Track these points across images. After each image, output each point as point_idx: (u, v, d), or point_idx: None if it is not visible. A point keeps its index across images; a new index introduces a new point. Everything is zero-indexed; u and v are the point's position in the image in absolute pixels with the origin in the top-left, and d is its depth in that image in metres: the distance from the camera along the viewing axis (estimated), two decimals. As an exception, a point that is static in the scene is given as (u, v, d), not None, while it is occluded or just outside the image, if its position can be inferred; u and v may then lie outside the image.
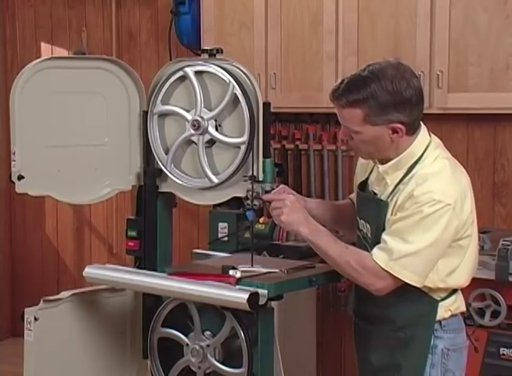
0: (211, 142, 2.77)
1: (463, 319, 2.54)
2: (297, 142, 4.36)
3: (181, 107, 2.81)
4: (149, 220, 2.92)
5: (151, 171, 2.91)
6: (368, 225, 2.47)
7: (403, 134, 2.36)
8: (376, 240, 2.38)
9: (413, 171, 2.37)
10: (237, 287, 2.46)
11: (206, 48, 2.82)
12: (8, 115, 2.74)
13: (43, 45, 5.24)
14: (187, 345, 2.64)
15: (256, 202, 2.63)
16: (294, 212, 2.45)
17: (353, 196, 2.70)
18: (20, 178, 2.73)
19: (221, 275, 2.54)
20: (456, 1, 3.62)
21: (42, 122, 2.79)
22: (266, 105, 2.66)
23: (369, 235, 2.47)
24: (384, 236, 2.35)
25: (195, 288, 2.50)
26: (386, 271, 2.32)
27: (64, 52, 5.11)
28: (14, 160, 2.74)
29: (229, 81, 2.68)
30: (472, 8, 3.59)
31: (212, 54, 2.77)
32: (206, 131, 2.74)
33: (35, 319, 2.70)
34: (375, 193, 2.48)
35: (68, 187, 2.88)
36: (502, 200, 3.92)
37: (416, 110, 2.36)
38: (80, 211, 5.21)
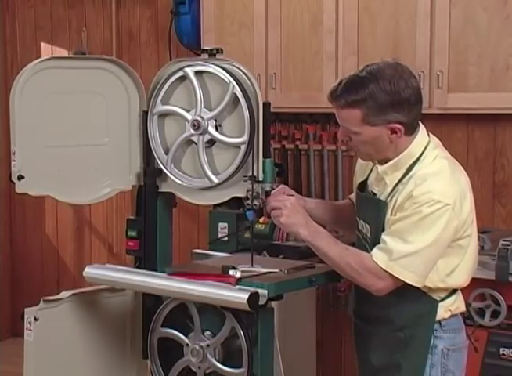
0: (211, 142, 2.77)
1: (463, 319, 2.54)
2: (297, 142, 4.37)
3: (181, 107, 2.81)
4: (149, 220, 2.92)
5: (151, 171, 2.91)
6: (367, 226, 2.47)
7: (402, 134, 2.36)
8: (376, 241, 2.38)
9: (412, 171, 2.37)
10: (237, 287, 2.46)
11: (206, 48, 2.82)
12: (8, 115, 2.74)
13: (43, 45, 5.24)
14: (187, 345, 2.64)
15: (256, 202, 2.63)
16: (294, 214, 2.44)
17: (353, 196, 2.70)
18: (20, 178, 2.73)
19: (221, 275, 2.54)
20: (456, 1, 3.62)
21: (42, 122, 2.79)
22: (266, 105, 2.66)
23: (368, 235, 2.47)
24: (383, 236, 2.35)
25: (195, 288, 2.50)
26: (386, 271, 2.32)
27: (64, 52, 5.11)
28: (14, 160, 2.74)
29: (229, 81, 2.68)
30: (472, 8, 3.59)
31: (212, 54, 2.77)
32: (206, 131, 2.74)
33: (35, 319, 2.70)
34: (374, 194, 2.48)
35: (68, 187, 2.88)
36: (502, 200, 3.92)
37: (415, 110, 2.36)
38: (80, 211, 5.21)
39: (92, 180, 2.93)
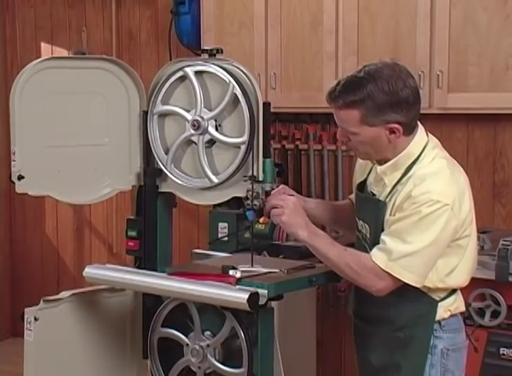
0: (211, 142, 2.77)
1: (463, 319, 2.54)
2: (297, 142, 4.36)
3: (181, 107, 2.81)
4: (149, 220, 2.92)
5: (151, 171, 2.91)
6: (367, 226, 2.47)
7: (400, 134, 2.36)
8: (375, 241, 2.39)
9: (411, 171, 2.37)
10: (237, 287, 2.46)
11: (206, 48, 2.82)
12: (8, 115, 2.74)
13: (43, 45, 5.24)
14: (187, 345, 2.64)
15: (256, 202, 2.63)
16: (295, 215, 2.45)
17: (353, 196, 2.70)
18: (20, 178, 2.73)
19: (221, 275, 2.54)
20: (456, 1, 3.62)
21: (42, 122, 2.79)
22: (266, 105, 2.66)
23: (368, 236, 2.47)
24: (382, 236, 2.35)
25: (195, 288, 2.50)
26: (385, 272, 2.32)
27: (64, 52, 5.11)
28: (14, 160, 2.74)
29: (229, 81, 2.68)
30: (472, 8, 3.59)
31: (212, 54, 2.77)
32: (206, 131, 2.74)
33: (35, 319, 2.70)
34: (373, 194, 2.48)
35: (68, 187, 2.88)
36: (502, 200, 3.92)
37: (413, 110, 2.36)
38: (80, 211, 5.21)
39: (92, 180, 2.93)
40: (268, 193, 2.61)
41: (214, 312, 2.57)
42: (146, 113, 2.88)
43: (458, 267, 2.39)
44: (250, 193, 2.64)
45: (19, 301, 5.31)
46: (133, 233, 2.94)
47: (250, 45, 4.12)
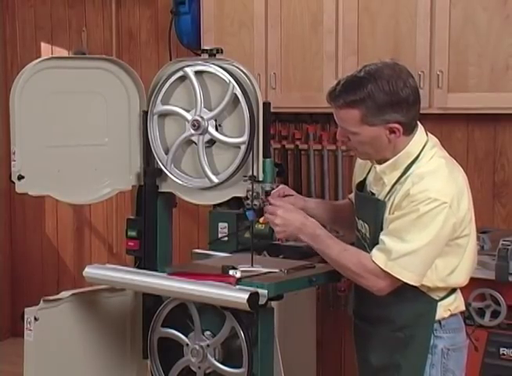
0: (211, 142, 2.77)
1: (463, 318, 2.54)
2: (297, 142, 4.36)
3: (181, 107, 2.81)
4: (149, 220, 2.92)
5: (151, 171, 2.91)
6: (366, 226, 2.47)
7: (400, 134, 2.36)
8: (375, 240, 2.39)
9: (410, 170, 2.37)
10: (237, 287, 2.46)
11: (206, 48, 2.82)
12: (8, 115, 2.74)
13: (43, 45, 5.24)
14: (187, 345, 2.64)
15: (256, 202, 2.63)
16: (287, 225, 2.47)
17: (352, 196, 2.70)
18: (20, 178, 2.73)
19: (221, 275, 2.54)
20: (456, 1, 3.62)
21: (42, 122, 2.79)
22: (266, 105, 2.66)
23: (367, 235, 2.47)
24: (381, 236, 2.35)
25: (195, 288, 2.50)
26: (385, 272, 2.32)
27: (64, 52, 5.11)
28: (14, 160, 2.74)
29: (229, 81, 2.68)
30: (472, 8, 3.59)
31: (212, 54, 2.77)
32: (206, 131, 2.74)
33: (35, 319, 2.70)
34: (373, 193, 2.48)
35: (68, 187, 2.88)
36: (502, 200, 3.92)
37: (413, 109, 2.36)
38: (80, 211, 5.21)
39: (92, 180, 2.93)
40: (268, 193, 2.62)
41: (214, 312, 2.57)
42: (146, 113, 2.88)
43: (458, 267, 2.39)
44: (250, 193, 2.64)
45: (19, 301, 5.31)
46: (133, 233, 2.94)
47: (250, 45, 4.12)
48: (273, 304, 2.56)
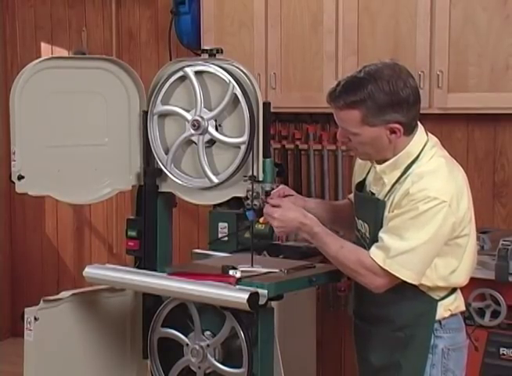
0: (211, 142, 2.77)
1: (463, 318, 2.54)
2: (297, 142, 4.36)
3: (181, 107, 2.81)
4: (149, 220, 2.92)
5: (151, 171, 2.91)
6: (366, 225, 2.48)
7: (401, 134, 2.36)
8: (375, 240, 2.39)
9: (410, 170, 2.38)
10: (237, 287, 2.46)
11: (206, 48, 2.82)
12: (8, 115, 2.74)
13: (43, 45, 5.24)
14: (187, 345, 2.64)
15: (256, 202, 2.63)
16: (284, 225, 2.49)
17: (352, 196, 2.70)
18: (20, 178, 2.73)
19: (221, 275, 2.54)
20: (456, 1, 3.62)
21: (42, 122, 2.79)
22: (266, 105, 2.66)
23: (367, 235, 2.47)
24: (380, 234, 2.36)
25: (195, 288, 2.50)
26: (383, 269, 2.32)
27: (64, 52, 5.11)
28: (14, 160, 2.74)
29: (229, 81, 2.68)
30: (472, 8, 3.59)
31: (212, 54, 2.77)
32: (206, 131, 2.74)
33: (35, 319, 2.70)
34: (373, 193, 2.48)
35: (68, 187, 2.88)
36: (502, 200, 3.92)
37: (414, 109, 2.36)
38: (80, 211, 5.21)
39: (92, 180, 2.93)
40: (268, 193, 2.62)
41: (214, 312, 2.57)
42: (146, 113, 2.88)
43: (458, 267, 2.39)
44: (250, 193, 2.64)
45: (19, 301, 5.31)
46: (133, 233, 2.94)
47: (250, 45, 4.12)
48: (273, 304, 2.56)
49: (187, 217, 4.73)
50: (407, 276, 2.32)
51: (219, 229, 4.06)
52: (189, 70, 2.77)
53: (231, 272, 2.53)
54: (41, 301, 2.74)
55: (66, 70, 2.85)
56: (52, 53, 5.15)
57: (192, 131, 2.76)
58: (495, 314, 3.34)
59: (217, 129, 2.75)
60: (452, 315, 2.45)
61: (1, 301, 5.44)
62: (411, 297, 2.40)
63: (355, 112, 2.33)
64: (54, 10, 5.18)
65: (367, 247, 2.42)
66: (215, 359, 2.59)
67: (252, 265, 2.64)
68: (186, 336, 2.65)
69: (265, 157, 2.66)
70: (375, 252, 2.34)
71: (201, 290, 2.49)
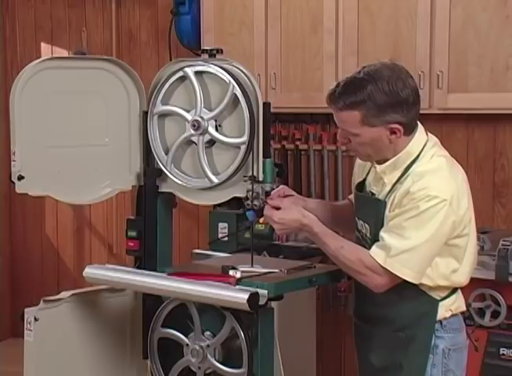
0: (211, 142, 2.77)
1: (463, 319, 2.54)
2: (297, 143, 4.36)
3: (181, 107, 2.81)
4: (149, 220, 2.92)
5: (151, 172, 2.91)
6: (367, 226, 2.48)
7: (401, 134, 2.36)
8: (376, 240, 2.39)
9: (410, 169, 2.38)
10: (237, 287, 2.46)
11: (206, 48, 2.82)
12: (8, 115, 2.74)
13: (43, 45, 5.24)
14: (187, 345, 2.64)
15: (256, 202, 2.63)
16: (284, 228, 2.49)
17: (352, 197, 2.70)
18: (20, 178, 2.73)
19: (221, 275, 2.54)
20: (456, 1, 3.62)
21: (42, 122, 2.79)
22: (266, 105, 2.66)
23: (368, 235, 2.47)
24: (381, 233, 2.36)
25: (195, 288, 2.50)
26: (384, 268, 2.32)
27: (64, 52, 5.11)
28: (14, 160, 2.74)
29: (229, 81, 2.68)
30: (472, 8, 3.59)
31: (212, 54, 2.77)
32: (206, 131, 2.74)
33: (35, 319, 2.70)
34: (373, 194, 2.48)
35: (68, 187, 2.88)
36: (503, 200, 3.92)
37: (413, 109, 2.36)
38: (80, 211, 5.21)
39: (92, 180, 2.93)
40: (268, 193, 2.61)
41: (214, 312, 2.57)
42: (146, 113, 2.88)
43: (458, 267, 2.39)
44: (250, 193, 2.64)
45: (19, 301, 5.31)
46: (133, 233, 2.94)
47: (250, 45, 4.12)
48: (273, 304, 2.56)
49: (187, 217, 4.73)
50: (407, 274, 2.32)
51: (219, 230, 4.07)
52: (189, 71, 2.77)
53: (231, 272, 2.53)
54: (41, 302, 2.74)
55: (66, 71, 2.85)
56: (52, 53, 5.15)
57: (192, 132, 2.76)
58: (495, 314, 3.34)
59: (217, 129, 2.74)
60: (452, 315, 2.45)
61: (1, 301, 5.44)
62: (412, 297, 2.40)
63: (355, 113, 2.33)
64: (54, 10, 5.18)
65: (368, 248, 2.42)
66: (215, 360, 2.59)
67: (252, 266, 2.64)
68: (186, 336, 2.65)
69: (264, 157, 2.66)
70: (375, 251, 2.34)
71: (201, 290, 2.49)
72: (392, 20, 3.76)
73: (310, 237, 2.49)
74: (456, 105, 3.67)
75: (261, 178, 2.66)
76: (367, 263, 2.34)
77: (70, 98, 2.86)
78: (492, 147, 3.92)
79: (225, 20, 4.18)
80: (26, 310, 2.72)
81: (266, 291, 2.43)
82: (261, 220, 2.64)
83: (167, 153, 2.86)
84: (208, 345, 2.59)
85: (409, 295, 2.39)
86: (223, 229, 4.06)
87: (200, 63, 2.77)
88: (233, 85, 2.67)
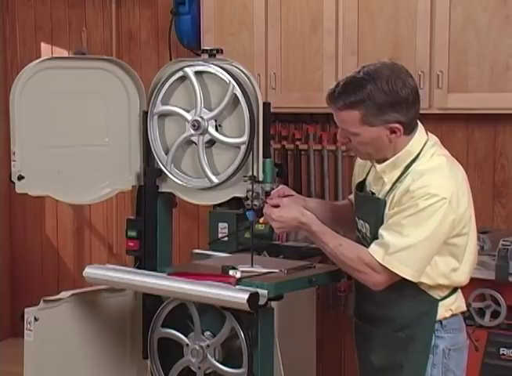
0: (211, 142, 2.77)
1: (463, 318, 2.54)
2: (297, 143, 4.36)
3: (181, 107, 2.81)
4: (149, 220, 2.92)
5: (151, 172, 2.91)
6: (367, 225, 2.48)
7: (401, 134, 2.36)
8: (376, 239, 2.39)
9: (410, 168, 2.38)
10: (237, 287, 2.46)
11: (206, 48, 2.83)
12: (8, 115, 2.74)
13: (43, 45, 5.24)
14: (187, 345, 2.64)
15: (256, 202, 2.63)
16: (283, 225, 2.49)
17: (352, 197, 2.70)
18: (20, 178, 2.73)
19: (221, 275, 2.54)
20: (456, 1, 3.62)
21: (42, 122, 2.79)
22: (266, 105, 2.66)
23: (368, 234, 2.47)
24: (380, 230, 2.36)
25: (195, 288, 2.50)
26: (382, 266, 2.32)
27: (64, 52, 5.11)
28: (14, 160, 2.74)
29: (229, 81, 2.68)
30: (472, 8, 3.59)
31: (212, 54, 2.77)
32: (206, 131, 2.74)
33: (35, 319, 2.70)
34: (373, 193, 2.48)
35: (68, 187, 2.88)
36: (503, 200, 3.92)
37: (413, 109, 2.36)
38: (80, 211, 5.20)
39: (92, 180, 2.93)
40: (268, 193, 2.62)
41: (214, 312, 2.57)
42: (146, 113, 2.88)
43: (458, 266, 2.39)
44: (250, 193, 2.64)
45: (19, 301, 5.31)
46: (133, 233, 2.94)
47: (250, 45, 4.11)
48: (273, 304, 2.56)
49: (187, 217, 4.73)
50: (406, 272, 2.32)
51: (219, 230, 4.07)
52: (189, 70, 2.77)
53: (231, 272, 2.53)
54: (41, 302, 2.74)
55: (66, 71, 2.85)
56: (52, 53, 5.15)
57: (192, 132, 2.76)
58: (495, 314, 3.34)
59: (217, 129, 2.74)
60: (452, 315, 2.45)
61: (1, 301, 5.44)
62: (411, 296, 2.40)
63: (355, 112, 2.34)
64: (54, 10, 5.18)
65: (368, 247, 2.42)
66: (215, 360, 2.59)
67: (252, 265, 2.64)
68: (186, 336, 2.65)
69: (264, 157, 2.67)
70: (374, 249, 2.34)
71: (201, 290, 2.49)
72: (392, 20, 3.76)
73: (309, 236, 2.48)
74: (455, 105, 3.67)
75: (261, 178, 2.66)
76: (366, 260, 2.34)
77: (70, 98, 2.86)
78: (492, 147, 3.92)
79: (225, 20, 4.18)
80: (26, 310, 2.72)
81: (266, 291, 2.43)
82: (261, 220, 2.64)
83: (167, 153, 2.86)
84: (208, 345, 2.60)
85: (409, 294, 2.39)
86: (223, 229, 4.06)
87: (200, 63, 2.77)
88: (233, 85, 2.67)
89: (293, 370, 3.03)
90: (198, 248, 3.71)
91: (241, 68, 2.71)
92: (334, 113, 2.40)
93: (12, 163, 2.75)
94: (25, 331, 2.72)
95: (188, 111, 2.79)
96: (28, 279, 5.45)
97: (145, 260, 2.92)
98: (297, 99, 4.03)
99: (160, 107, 2.85)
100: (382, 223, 2.39)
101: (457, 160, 2.48)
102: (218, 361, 2.59)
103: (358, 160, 2.63)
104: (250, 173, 2.66)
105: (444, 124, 3.89)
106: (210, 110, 2.75)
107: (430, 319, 2.42)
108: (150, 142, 2.87)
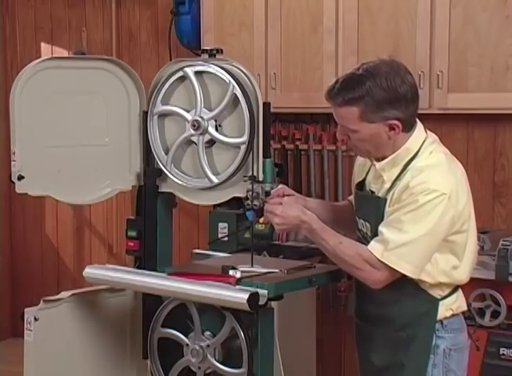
0: (211, 142, 2.77)
1: (464, 318, 2.54)
2: (297, 143, 4.36)
3: (181, 107, 2.81)
4: (149, 220, 2.92)
5: (151, 171, 2.91)
6: (367, 224, 2.48)
7: (400, 131, 2.37)
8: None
9: (409, 166, 2.38)
10: (237, 287, 2.46)
11: (206, 48, 2.82)
12: (8, 115, 2.74)
13: (43, 45, 5.24)
14: (187, 345, 2.64)
15: (256, 202, 2.63)
16: (285, 223, 2.47)
17: (352, 198, 2.70)
18: (20, 178, 2.73)
19: (221, 275, 2.54)
20: (456, 1, 3.62)
21: (42, 122, 2.79)
22: (266, 105, 2.66)
23: (368, 234, 2.47)
24: (380, 227, 2.36)
25: (195, 288, 2.50)
26: (382, 262, 2.32)
27: (64, 52, 5.11)
28: (14, 160, 2.74)
29: (229, 81, 2.68)
30: (472, 8, 3.59)
31: (212, 54, 2.77)
32: (206, 131, 2.74)
33: (35, 319, 2.70)
34: (373, 192, 2.49)
35: (68, 187, 2.88)
36: (503, 200, 3.92)
37: (412, 106, 2.37)
38: (80, 211, 5.21)
39: (92, 180, 2.93)
40: (268, 193, 2.62)
41: (214, 312, 2.56)
42: (146, 113, 2.88)
43: (458, 263, 2.39)
44: (250, 193, 2.64)
45: (19, 301, 5.31)
46: (133, 233, 2.94)
47: (250, 45, 4.12)
48: (273, 304, 2.56)
49: (187, 217, 4.73)
50: (405, 268, 2.32)
51: (219, 229, 4.07)
52: (189, 70, 2.77)
53: (231, 272, 2.53)
54: (41, 302, 2.74)
55: (67, 71, 2.85)
56: (52, 53, 5.15)
57: (192, 132, 2.76)
58: (495, 314, 3.34)
59: (217, 129, 2.74)
60: (453, 315, 2.45)
61: (1, 301, 5.44)
62: (412, 295, 2.40)
63: (354, 109, 2.34)
64: (54, 10, 5.18)
65: (368, 246, 2.42)
66: (215, 360, 2.59)
67: (252, 265, 2.64)
68: (186, 336, 2.65)
69: (264, 157, 2.66)
70: (374, 245, 2.34)
71: (201, 290, 2.49)
72: (392, 20, 3.76)
73: (308, 235, 2.47)
74: (455, 105, 3.67)
75: (261, 178, 2.66)
76: (365, 257, 2.34)
77: (70, 98, 2.86)
78: (492, 147, 3.92)
79: (225, 20, 4.18)
80: (26, 310, 2.72)
81: (266, 291, 2.43)
82: (261, 220, 2.64)
83: (167, 153, 2.86)
84: (208, 345, 2.59)
85: (409, 294, 2.39)
86: (223, 229, 4.06)
87: (200, 63, 2.77)
88: (233, 85, 2.67)
89: (293, 370, 3.03)
90: (198, 248, 3.70)
91: (241, 68, 2.71)
92: (333, 109, 2.41)
93: (12, 163, 2.74)
94: (25, 331, 2.72)
95: (188, 111, 2.78)
96: (28, 279, 5.45)
97: (145, 260, 2.92)
98: (297, 99, 4.03)
99: (160, 107, 2.85)
100: (382, 221, 2.39)
101: (457, 160, 2.48)
102: (218, 361, 2.59)
103: (358, 160, 2.63)
104: (250, 173, 2.66)
105: (444, 124, 3.89)
106: (210, 110, 2.75)
107: (430, 319, 2.42)
108: (150, 142, 2.87)
